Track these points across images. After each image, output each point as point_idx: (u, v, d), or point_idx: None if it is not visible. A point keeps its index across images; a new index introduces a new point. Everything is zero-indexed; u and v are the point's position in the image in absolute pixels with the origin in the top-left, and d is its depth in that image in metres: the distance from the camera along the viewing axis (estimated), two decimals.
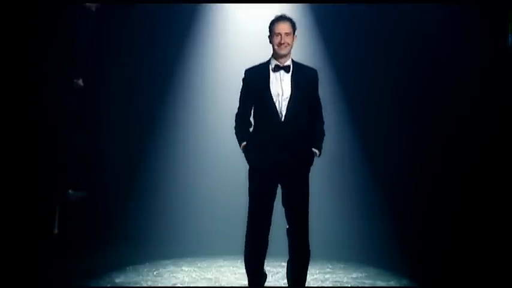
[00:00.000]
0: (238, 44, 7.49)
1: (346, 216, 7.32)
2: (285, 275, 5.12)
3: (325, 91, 7.09)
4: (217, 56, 7.66)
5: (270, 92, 4.95)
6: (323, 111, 5.16)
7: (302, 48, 7.01)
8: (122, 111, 7.59)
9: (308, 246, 5.02)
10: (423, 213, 7.19)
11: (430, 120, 7.32)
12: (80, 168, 7.44)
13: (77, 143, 7.45)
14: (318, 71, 5.05)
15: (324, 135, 5.13)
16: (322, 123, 5.16)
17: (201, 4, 7.54)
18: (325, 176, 7.18)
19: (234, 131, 5.11)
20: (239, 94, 5.11)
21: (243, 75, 5.08)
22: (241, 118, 5.10)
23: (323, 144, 5.10)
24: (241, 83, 5.11)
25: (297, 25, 4.99)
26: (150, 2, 7.30)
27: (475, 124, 7.14)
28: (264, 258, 5.06)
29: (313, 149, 5.04)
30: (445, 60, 7.26)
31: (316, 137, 5.09)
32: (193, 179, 7.70)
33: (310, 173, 5.06)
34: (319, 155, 5.09)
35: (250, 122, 5.09)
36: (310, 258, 5.06)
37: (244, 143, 5.01)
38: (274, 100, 4.94)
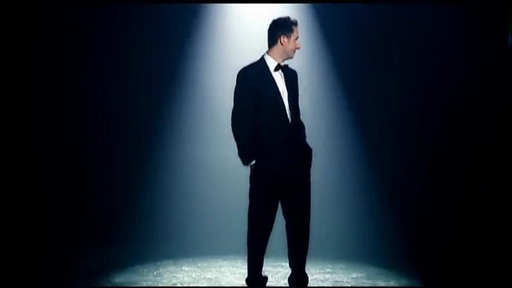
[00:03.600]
0: (241, 43, 7.47)
1: (346, 217, 7.32)
2: (285, 275, 5.12)
3: (327, 91, 7.17)
4: (219, 56, 7.65)
5: (278, 92, 4.86)
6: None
7: (303, 48, 7.05)
8: (122, 112, 7.58)
9: (308, 238, 5.01)
10: (423, 213, 7.20)
11: (430, 120, 7.33)
12: (81, 168, 7.44)
13: (76, 142, 7.45)
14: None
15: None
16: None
17: (202, 4, 7.53)
18: (326, 176, 7.18)
19: (233, 132, 4.87)
20: (235, 96, 4.86)
21: (239, 76, 4.87)
22: (246, 122, 4.81)
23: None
24: (238, 84, 4.86)
25: (299, 24, 4.97)
26: (151, 2, 7.30)
27: (474, 124, 7.14)
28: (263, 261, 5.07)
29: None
30: (445, 60, 7.26)
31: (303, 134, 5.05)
32: (193, 178, 7.69)
33: (311, 173, 5.07)
34: None
35: (254, 127, 4.84)
36: (310, 259, 5.07)
37: (253, 162, 4.84)
38: (283, 101, 4.87)
